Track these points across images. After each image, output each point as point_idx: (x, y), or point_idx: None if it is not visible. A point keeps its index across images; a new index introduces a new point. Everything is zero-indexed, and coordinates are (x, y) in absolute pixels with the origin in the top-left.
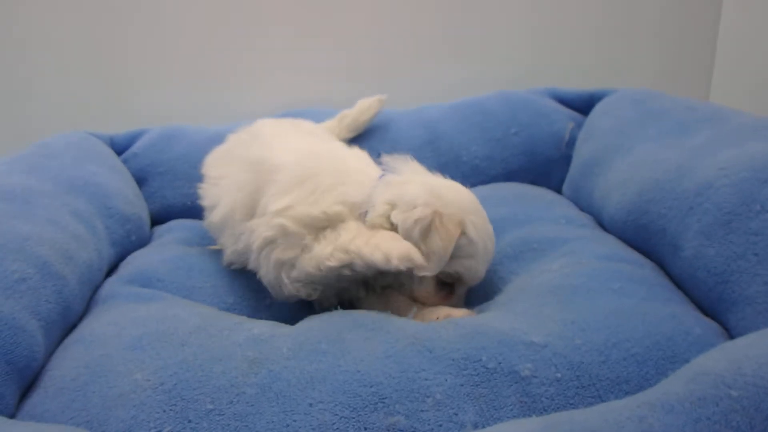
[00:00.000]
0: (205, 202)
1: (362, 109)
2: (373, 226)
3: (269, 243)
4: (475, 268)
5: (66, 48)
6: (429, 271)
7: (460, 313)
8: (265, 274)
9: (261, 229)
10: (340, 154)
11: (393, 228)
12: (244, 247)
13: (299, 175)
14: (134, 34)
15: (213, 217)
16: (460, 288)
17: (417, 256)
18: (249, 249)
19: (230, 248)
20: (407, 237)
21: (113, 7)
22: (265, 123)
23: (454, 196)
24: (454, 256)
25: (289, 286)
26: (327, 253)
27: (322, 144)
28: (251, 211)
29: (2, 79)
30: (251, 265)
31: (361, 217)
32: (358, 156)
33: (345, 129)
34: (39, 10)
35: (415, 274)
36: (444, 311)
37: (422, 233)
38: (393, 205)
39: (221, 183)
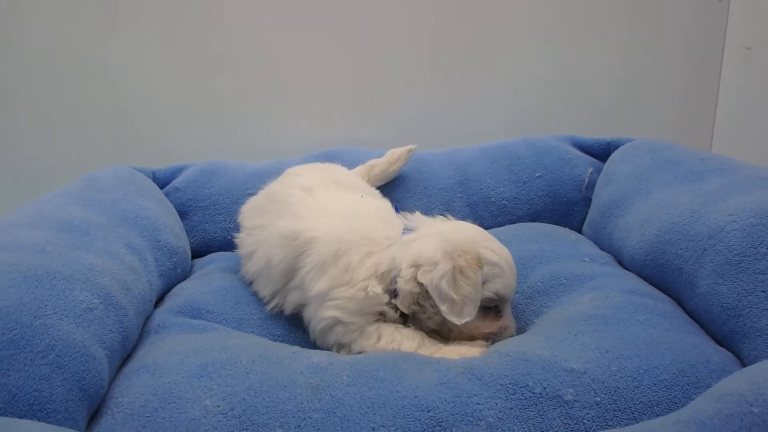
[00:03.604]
0: (241, 251)
1: (392, 159)
2: (405, 294)
3: (327, 330)
4: (508, 282)
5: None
6: (469, 315)
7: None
8: (320, 344)
9: (314, 321)
10: (365, 215)
11: (422, 288)
12: (292, 310)
13: (332, 253)
14: (169, 71)
15: (249, 268)
16: (504, 306)
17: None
18: (297, 311)
19: (272, 303)
20: (437, 294)
21: (150, 47)
22: (295, 174)
23: (464, 235)
24: (485, 282)
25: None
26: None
27: (349, 203)
28: (289, 276)
29: (37, 112)
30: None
31: (392, 283)
32: (382, 213)
33: (374, 178)
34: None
35: None
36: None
37: (450, 285)
38: (417, 266)
39: (255, 234)
